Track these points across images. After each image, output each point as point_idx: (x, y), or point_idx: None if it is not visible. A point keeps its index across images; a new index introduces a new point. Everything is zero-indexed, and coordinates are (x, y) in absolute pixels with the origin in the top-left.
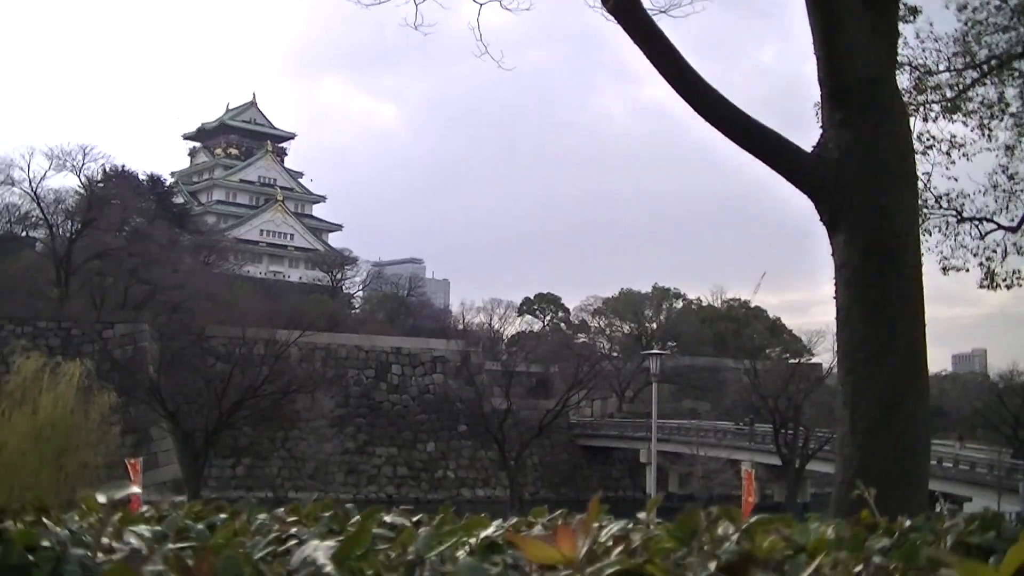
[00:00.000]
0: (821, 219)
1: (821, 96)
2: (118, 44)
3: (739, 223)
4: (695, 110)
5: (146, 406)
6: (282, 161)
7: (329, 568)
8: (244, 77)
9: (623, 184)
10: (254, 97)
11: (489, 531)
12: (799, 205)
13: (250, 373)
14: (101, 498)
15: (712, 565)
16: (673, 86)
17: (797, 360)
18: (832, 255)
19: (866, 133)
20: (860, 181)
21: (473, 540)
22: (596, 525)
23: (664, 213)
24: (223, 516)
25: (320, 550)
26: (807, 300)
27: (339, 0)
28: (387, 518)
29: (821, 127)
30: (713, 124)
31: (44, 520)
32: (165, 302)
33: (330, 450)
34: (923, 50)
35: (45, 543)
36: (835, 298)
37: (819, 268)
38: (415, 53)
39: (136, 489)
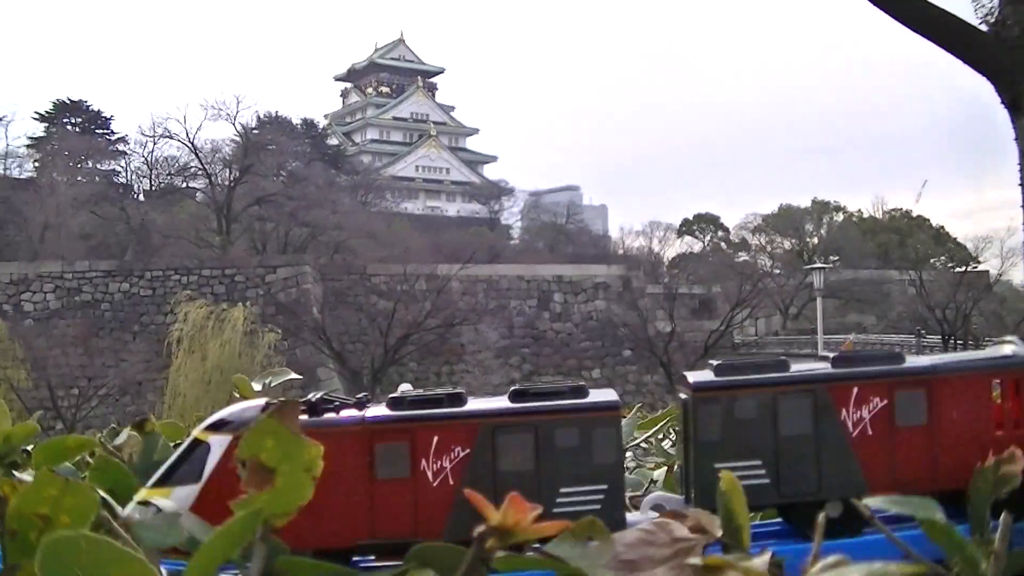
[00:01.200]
0: (1002, 102)
1: None
2: None
3: (897, 132)
4: None
5: (312, 347)
6: (433, 96)
7: None
8: (391, 14)
9: (779, 97)
10: (402, 34)
11: None
12: (958, 111)
13: (413, 309)
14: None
15: None
16: None
17: (964, 268)
18: (1015, 140)
19: None
20: None
21: None
22: None
23: (821, 125)
24: None
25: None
26: (970, 207)
27: None
28: None
29: (998, 3)
30: (883, 8)
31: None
32: (326, 243)
33: (496, 381)
34: None
35: None
36: (1020, 184)
37: (982, 174)
38: None
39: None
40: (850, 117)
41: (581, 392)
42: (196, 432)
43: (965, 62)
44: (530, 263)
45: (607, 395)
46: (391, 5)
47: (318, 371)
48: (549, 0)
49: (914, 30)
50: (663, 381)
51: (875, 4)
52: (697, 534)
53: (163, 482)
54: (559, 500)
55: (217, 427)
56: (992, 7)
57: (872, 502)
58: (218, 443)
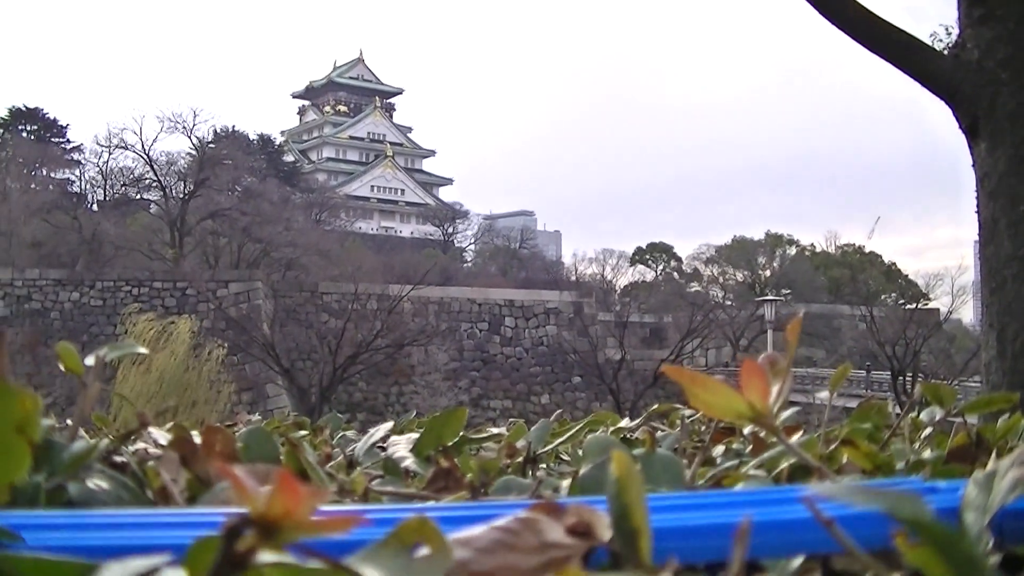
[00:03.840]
0: (960, 127)
1: None
2: (224, 5)
3: (852, 168)
4: (821, 12)
5: (261, 363)
6: (391, 116)
7: (409, 460)
8: (351, 33)
9: (734, 131)
10: (361, 53)
11: (624, 424)
12: (912, 147)
13: (363, 328)
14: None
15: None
16: None
17: (914, 305)
18: (973, 166)
19: (1009, 30)
20: (1003, 82)
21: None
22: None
23: (776, 159)
24: (303, 432)
25: (401, 442)
26: (922, 244)
27: None
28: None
29: (959, 26)
30: (838, 26)
31: None
32: (278, 260)
33: (444, 403)
34: None
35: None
36: (977, 212)
37: (934, 211)
38: (517, 11)
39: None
40: (806, 153)
41: None
42: None
43: (923, 84)
44: (482, 286)
45: None
46: (351, 24)
47: (267, 388)
48: (509, 27)
49: (872, 50)
50: (611, 409)
51: (834, 24)
52: (576, 537)
53: None
54: None
55: None
56: (952, 30)
57: (815, 490)
58: None
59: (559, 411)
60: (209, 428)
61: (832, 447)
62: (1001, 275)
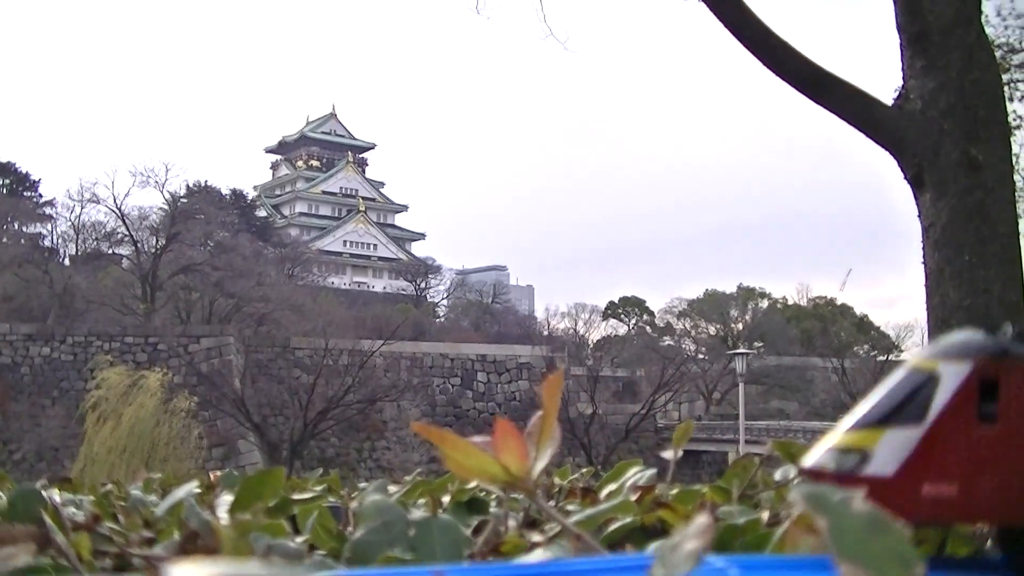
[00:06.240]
0: (905, 177)
1: (900, 43)
2: (196, 61)
3: (822, 221)
4: (763, 63)
5: (233, 419)
6: (363, 172)
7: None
8: (323, 88)
9: (706, 190)
10: (333, 108)
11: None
12: (881, 198)
13: (335, 383)
14: None
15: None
16: (737, 36)
17: (886, 356)
18: (918, 216)
19: (951, 80)
20: (946, 132)
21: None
22: (553, 437)
23: (748, 214)
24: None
25: (222, 503)
26: (894, 295)
27: (410, 11)
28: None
29: (901, 77)
30: (783, 78)
31: None
32: (250, 314)
33: (417, 459)
34: (1005, 27)
35: None
36: (923, 263)
37: (906, 262)
38: (494, 62)
39: None
40: (778, 208)
41: None
42: (915, 360)
43: (868, 135)
44: (455, 341)
45: None
46: (323, 79)
47: (239, 443)
48: (482, 86)
49: (816, 101)
50: (583, 463)
51: (777, 74)
52: None
53: (873, 423)
54: None
55: (950, 353)
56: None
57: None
58: (952, 373)
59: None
60: None
61: (648, 511)
62: (948, 324)
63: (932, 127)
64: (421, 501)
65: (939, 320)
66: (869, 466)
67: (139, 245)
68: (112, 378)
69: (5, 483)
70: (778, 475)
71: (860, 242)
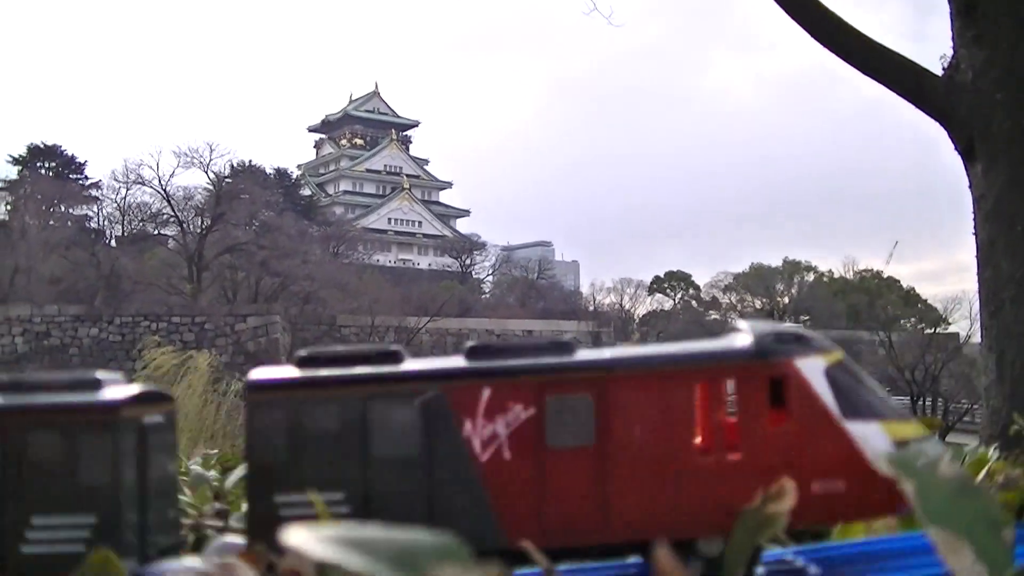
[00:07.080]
0: (956, 148)
1: (950, 12)
2: (238, 41)
3: (870, 193)
4: (812, 35)
5: None
6: (407, 149)
7: None
8: (366, 66)
9: (750, 157)
10: (376, 87)
11: None
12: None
13: None
14: None
15: None
16: (785, 9)
17: (933, 330)
18: (970, 187)
19: (1002, 50)
20: (998, 103)
21: None
22: None
23: (793, 185)
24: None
25: None
26: (941, 268)
27: None
28: None
29: (952, 47)
30: (832, 50)
31: None
32: (296, 293)
33: None
34: None
35: None
36: (974, 234)
37: (953, 235)
38: (536, 36)
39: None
40: (824, 177)
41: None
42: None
43: (918, 106)
44: (500, 317)
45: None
46: (366, 57)
47: None
48: (526, 59)
49: (866, 73)
50: None
51: (829, 48)
52: None
53: None
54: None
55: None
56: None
57: None
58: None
59: None
60: None
61: None
62: (999, 297)
63: (983, 98)
64: None
65: (990, 293)
66: None
67: (184, 225)
68: (160, 358)
69: None
70: None
71: (907, 215)
